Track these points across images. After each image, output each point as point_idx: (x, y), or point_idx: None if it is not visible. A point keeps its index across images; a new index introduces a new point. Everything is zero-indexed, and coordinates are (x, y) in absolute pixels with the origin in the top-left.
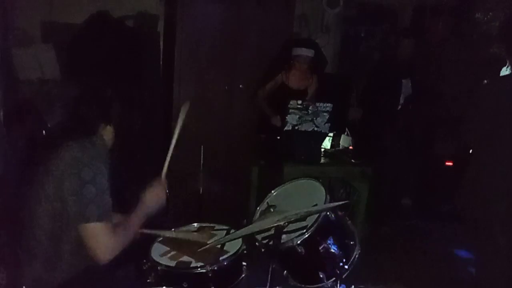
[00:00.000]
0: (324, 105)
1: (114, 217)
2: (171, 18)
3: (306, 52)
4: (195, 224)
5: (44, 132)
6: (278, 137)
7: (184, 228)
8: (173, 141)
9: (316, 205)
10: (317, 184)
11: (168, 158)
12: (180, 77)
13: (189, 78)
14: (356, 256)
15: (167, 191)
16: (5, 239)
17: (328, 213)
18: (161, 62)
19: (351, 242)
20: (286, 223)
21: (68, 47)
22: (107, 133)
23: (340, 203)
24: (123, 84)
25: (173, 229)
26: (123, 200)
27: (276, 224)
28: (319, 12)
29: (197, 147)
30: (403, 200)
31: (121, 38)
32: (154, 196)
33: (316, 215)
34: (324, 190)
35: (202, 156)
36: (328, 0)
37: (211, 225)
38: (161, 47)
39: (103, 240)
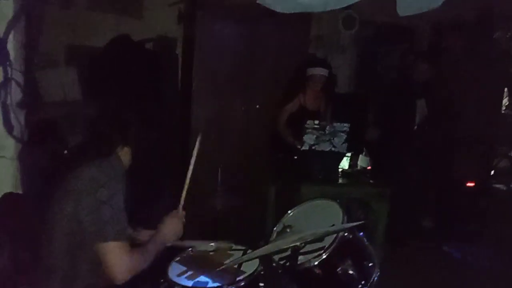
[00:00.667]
0: (342, 125)
1: (129, 231)
2: (189, 40)
3: (321, 72)
4: (212, 244)
5: (65, 152)
6: (295, 157)
7: (202, 247)
8: (189, 173)
9: (333, 225)
10: (334, 204)
11: (184, 190)
12: (198, 98)
13: (207, 99)
14: (375, 278)
15: (184, 220)
16: (25, 258)
17: (346, 233)
18: (179, 84)
19: (370, 264)
20: (303, 244)
21: (89, 69)
22: (125, 154)
23: (357, 223)
24: (142, 106)
25: (190, 249)
26: (140, 219)
27: (292, 245)
28: (335, 32)
29: (214, 167)
30: (424, 222)
31: (140, 61)
32: (171, 227)
33: (334, 236)
34: (341, 211)
35: (219, 176)
36: (344, 21)
37: (229, 244)
38: (180, 69)
39: (120, 259)
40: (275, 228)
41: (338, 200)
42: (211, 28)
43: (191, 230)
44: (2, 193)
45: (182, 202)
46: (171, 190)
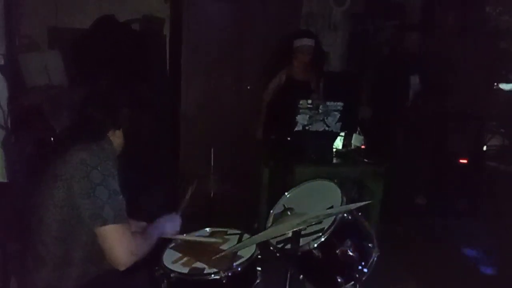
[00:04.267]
0: (335, 104)
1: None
2: (177, 20)
3: (307, 42)
4: (207, 229)
5: (52, 138)
6: (289, 138)
7: (196, 234)
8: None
9: (332, 206)
10: (332, 185)
11: (184, 202)
12: (187, 78)
13: (196, 79)
14: (375, 258)
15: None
16: (15, 247)
17: (345, 214)
18: (168, 65)
19: (369, 244)
20: (306, 227)
21: (74, 52)
22: (116, 137)
23: (363, 203)
24: (130, 88)
25: (184, 234)
26: (134, 205)
27: (297, 229)
28: (326, 9)
29: (206, 148)
30: (417, 199)
31: (127, 42)
32: (170, 224)
33: (333, 217)
34: (339, 191)
35: (212, 158)
36: None
37: (224, 229)
38: (168, 49)
39: (122, 241)
40: (271, 211)
41: (335, 181)
42: (199, 6)
43: (185, 216)
44: None
45: (180, 209)
46: (163, 175)
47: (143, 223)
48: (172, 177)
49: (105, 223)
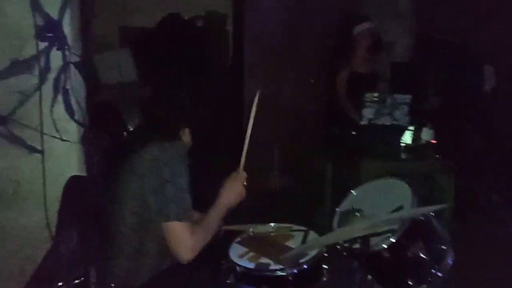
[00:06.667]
0: (403, 96)
1: (194, 215)
2: (240, 15)
3: (367, 25)
4: (272, 224)
5: (125, 133)
6: (354, 133)
7: (261, 228)
8: (248, 132)
9: (402, 206)
10: (403, 184)
11: (245, 150)
12: (250, 74)
13: (259, 75)
14: (451, 262)
15: (245, 183)
16: (94, 238)
17: None
18: (230, 61)
19: (443, 247)
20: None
21: (142, 50)
22: (185, 135)
23: (437, 207)
24: (196, 85)
25: (251, 230)
26: (202, 200)
27: (367, 233)
28: None
29: (269, 144)
30: (492, 195)
31: (192, 39)
32: (233, 190)
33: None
34: (410, 190)
35: (275, 156)
36: None
37: (289, 225)
38: (231, 45)
39: (183, 239)
40: (338, 209)
41: (406, 179)
42: (261, 1)
43: (248, 211)
44: (67, 177)
45: (242, 162)
46: (230, 166)
47: None
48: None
49: (167, 219)
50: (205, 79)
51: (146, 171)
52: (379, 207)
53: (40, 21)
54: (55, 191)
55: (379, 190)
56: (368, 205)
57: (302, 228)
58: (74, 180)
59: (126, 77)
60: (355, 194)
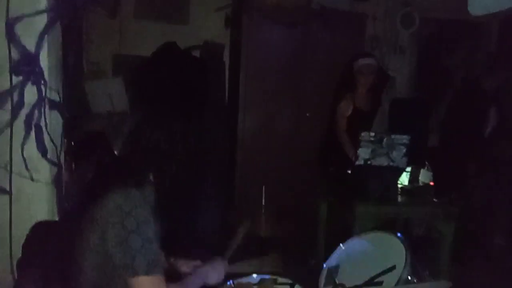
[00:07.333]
0: (401, 137)
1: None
2: (237, 46)
3: (368, 61)
4: (255, 276)
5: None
6: (349, 172)
7: (243, 281)
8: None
9: (394, 266)
10: (396, 241)
11: (233, 245)
12: (245, 105)
13: (254, 106)
14: None
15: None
16: None
17: (409, 277)
18: (226, 91)
19: None
20: None
21: (136, 79)
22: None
23: (439, 284)
24: (175, 128)
25: (231, 281)
26: (188, 242)
27: None
28: (392, 32)
29: (262, 178)
30: (496, 239)
31: (188, 69)
32: (215, 272)
33: (396, 279)
34: (404, 248)
35: (264, 197)
36: (402, 20)
37: (274, 277)
38: (227, 76)
39: None
40: (325, 265)
41: (400, 236)
42: (259, 32)
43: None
44: (36, 221)
45: (229, 253)
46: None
47: (197, 262)
48: (229, 208)
49: (135, 274)
50: (199, 110)
51: (108, 221)
52: (370, 263)
53: (15, 54)
54: (23, 236)
55: (371, 245)
56: (357, 261)
57: (288, 281)
58: (39, 227)
59: (117, 106)
60: (343, 248)
